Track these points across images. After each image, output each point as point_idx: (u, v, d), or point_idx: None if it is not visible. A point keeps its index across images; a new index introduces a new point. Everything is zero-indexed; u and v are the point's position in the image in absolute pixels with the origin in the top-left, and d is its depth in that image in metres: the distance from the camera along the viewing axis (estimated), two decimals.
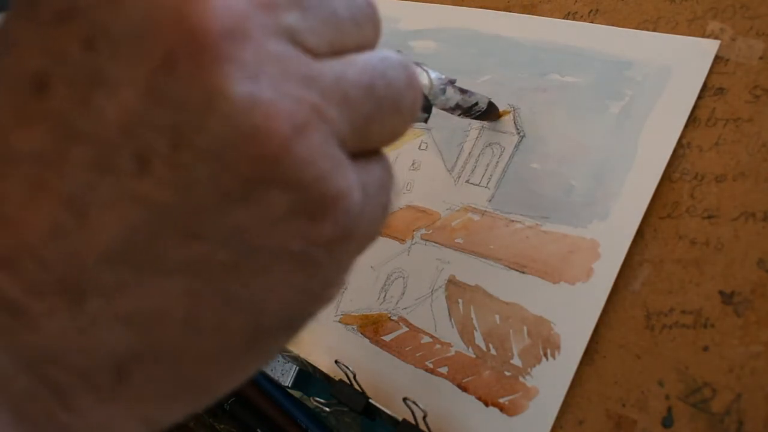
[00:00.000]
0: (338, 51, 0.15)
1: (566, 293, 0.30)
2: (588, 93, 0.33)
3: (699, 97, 0.30)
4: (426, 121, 0.27)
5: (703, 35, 0.31)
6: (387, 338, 0.35)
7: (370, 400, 0.34)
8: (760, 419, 0.24)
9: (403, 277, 0.36)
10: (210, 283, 0.14)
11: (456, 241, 0.35)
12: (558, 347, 0.29)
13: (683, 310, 0.27)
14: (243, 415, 0.37)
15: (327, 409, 0.36)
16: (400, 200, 0.38)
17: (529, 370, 0.30)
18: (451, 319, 0.33)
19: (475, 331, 0.32)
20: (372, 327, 0.36)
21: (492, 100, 0.34)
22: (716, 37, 0.30)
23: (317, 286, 0.16)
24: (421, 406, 0.31)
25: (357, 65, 0.15)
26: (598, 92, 0.33)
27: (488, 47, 0.38)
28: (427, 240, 0.36)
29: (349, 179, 0.15)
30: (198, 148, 0.13)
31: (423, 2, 0.42)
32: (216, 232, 0.14)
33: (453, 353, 0.32)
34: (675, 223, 0.29)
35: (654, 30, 0.32)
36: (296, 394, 0.38)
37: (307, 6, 0.14)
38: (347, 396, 0.34)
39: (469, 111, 0.32)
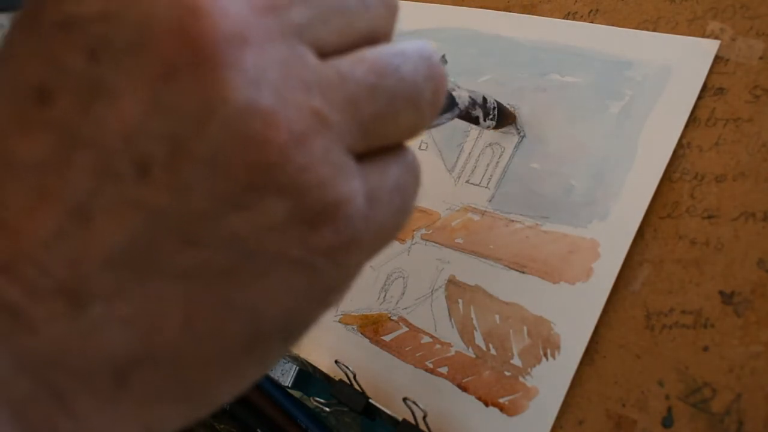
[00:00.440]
0: (349, 39, 0.15)
1: (566, 293, 0.30)
2: (588, 93, 0.33)
3: (699, 97, 0.30)
4: (452, 118, 0.26)
5: (703, 35, 0.31)
6: (387, 338, 0.35)
7: (370, 400, 0.34)
8: (760, 419, 0.24)
9: (403, 277, 0.36)
10: (209, 289, 0.14)
11: (456, 241, 0.35)
12: (558, 347, 0.29)
13: (683, 310, 0.27)
14: (243, 415, 0.37)
15: (327, 409, 0.36)
16: None
17: (529, 370, 0.30)
18: (451, 319, 0.33)
19: (475, 331, 0.32)
20: (372, 327, 0.36)
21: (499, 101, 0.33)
22: (716, 37, 0.30)
23: (319, 292, 0.15)
24: (421, 406, 0.31)
25: (366, 62, 0.15)
26: (598, 92, 0.33)
27: (488, 47, 0.38)
28: (427, 240, 0.36)
29: (352, 185, 0.14)
30: (197, 155, 0.13)
31: (423, 2, 0.42)
32: (215, 238, 0.14)
33: (453, 353, 0.32)
34: (675, 223, 0.29)
35: (654, 30, 0.32)
36: (296, 394, 0.38)
37: None
38: (347, 396, 0.34)
39: (486, 108, 0.31)
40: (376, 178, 0.15)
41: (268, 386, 0.37)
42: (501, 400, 0.30)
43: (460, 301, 0.33)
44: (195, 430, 0.35)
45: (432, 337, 0.33)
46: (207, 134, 0.13)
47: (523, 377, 0.30)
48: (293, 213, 0.14)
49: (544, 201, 0.32)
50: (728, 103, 0.29)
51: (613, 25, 0.34)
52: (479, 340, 0.32)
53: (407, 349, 0.34)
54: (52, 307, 0.13)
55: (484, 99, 0.31)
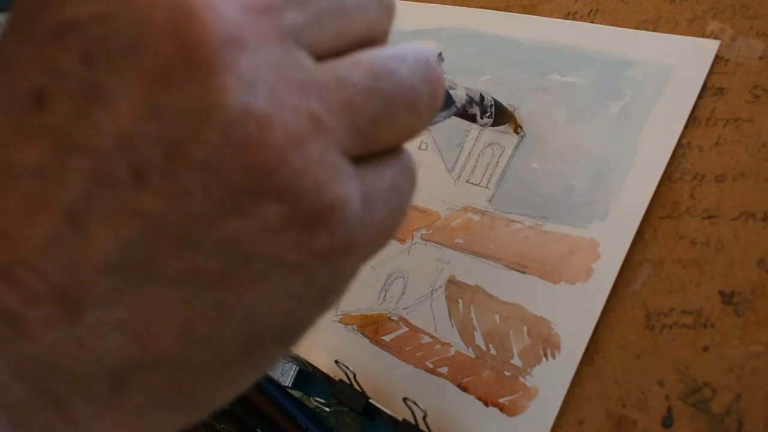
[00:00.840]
0: (346, 40, 0.15)
1: (566, 293, 0.30)
2: (588, 93, 0.33)
3: (699, 97, 0.30)
4: (449, 117, 0.26)
5: (703, 35, 0.31)
6: (387, 338, 0.35)
7: (370, 400, 0.34)
8: (760, 419, 0.24)
9: (403, 277, 0.36)
10: (206, 293, 0.14)
11: (456, 241, 0.35)
12: (558, 347, 0.29)
13: (683, 310, 0.27)
14: (243, 415, 0.37)
15: (327, 409, 0.36)
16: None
17: (529, 370, 0.30)
18: (451, 319, 0.33)
19: (475, 331, 0.32)
20: (372, 327, 0.36)
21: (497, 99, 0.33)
22: (716, 37, 0.30)
23: (315, 294, 0.15)
24: (421, 406, 0.31)
25: (362, 65, 0.15)
26: (598, 92, 0.33)
27: (488, 47, 0.38)
28: (427, 240, 0.36)
29: (348, 188, 0.14)
30: (193, 159, 0.13)
31: (423, 2, 0.42)
32: (211, 243, 0.14)
33: (453, 353, 0.32)
34: (675, 223, 0.29)
35: (654, 30, 0.32)
36: (296, 394, 0.38)
37: (307, 0, 0.14)
38: (347, 396, 0.34)
39: (483, 106, 0.31)
40: (372, 181, 0.15)
41: (268, 386, 0.37)
42: (501, 400, 0.30)
43: (460, 301, 0.33)
44: (195, 430, 0.35)
45: (432, 337, 0.33)
46: (202, 138, 0.13)
47: (523, 377, 0.30)
48: (289, 216, 0.14)
49: (544, 201, 0.32)
50: (728, 103, 0.29)
51: (613, 25, 0.34)
52: (479, 340, 0.32)
53: (407, 349, 0.34)
54: (49, 312, 0.13)
55: (482, 96, 0.31)
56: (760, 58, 0.29)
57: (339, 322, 0.37)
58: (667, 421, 0.26)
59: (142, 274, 0.13)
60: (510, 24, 0.37)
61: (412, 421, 0.32)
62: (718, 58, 0.30)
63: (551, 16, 0.36)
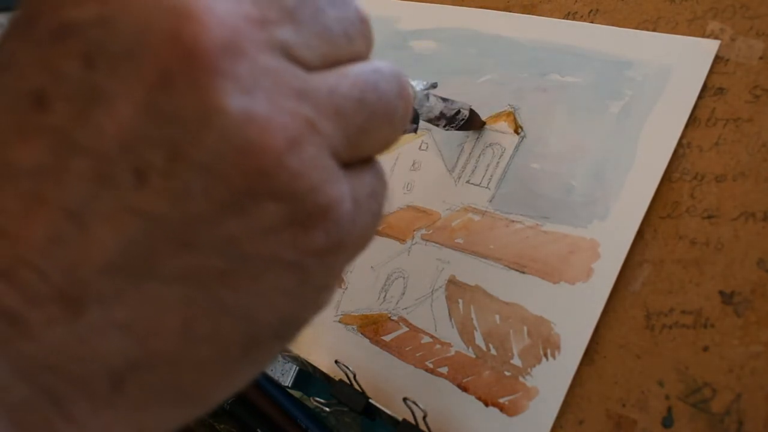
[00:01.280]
0: (331, 63, 0.16)
1: (566, 293, 0.30)
2: (588, 93, 0.33)
3: (699, 97, 0.30)
4: (415, 131, 0.28)
5: (703, 35, 0.31)
6: (387, 338, 0.35)
7: (370, 400, 0.34)
8: (760, 419, 0.24)
9: (403, 277, 0.36)
10: (205, 292, 0.14)
11: (456, 241, 0.35)
12: (558, 347, 0.29)
13: (683, 310, 0.27)
14: (243, 415, 0.37)
15: (327, 409, 0.36)
16: (401, 200, 0.38)
17: (529, 370, 0.30)
18: (451, 319, 0.33)
19: (475, 331, 0.32)
20: (372, 327, 0.36)
21: (473, 108, 0.34)
22: (716, 37, 0.30)
23: (309, 292, 0.16)
24: (421, 406, 0.31)
25: (349, 78, 0.16)
26: (598, 92, 0.33)
27: (488, 47, 0.38)
28: (427, 240, 0.36)
29: (341, 189, 0.15)
30: (193, 161, 0.13)
31: (423, 2, 0.42)
32: (211, 243, 0.14)
33: (453, 353, 0.32)
34: (675, 223, 0.29)
35: (654, 30, 0.32)
36: (296, 394, 0.38)
37: (299, 21, 0.15)
38: (347, 396, 0.35)
39: (453, 120, 0.32)
40: (356, 185, 0.16)
41: (268, 386, 0.37)
42: (501, 400, 0.30)
43: (460, 301, 0.33)
44: (195, 430, 0.35)
45: (432, 337, 0.33)
46: (203, 141, 0.13)
47: (523, 377, 0.30)
48: (287, 216, 0.14)
49: (544, 201, 0.32)
50: (728, 103, 0.29)
51: (613, 25, 0.34)
52: (479, 340, 0.32)
53: (407, 349, 0.34)
54: (49, 312, 0.13)
55: (458, 112, 0.32)
56: (760, 58, 0.29)
57: (339, 322, 0.37)
58: (667, 421, 0.26)
59: (142, 273, 0.14)
60: (510, 24, 0.37)
61: (412, 421, 0.32)
62: (718, 58, 0.30)
63: (551, 16, 0.36)
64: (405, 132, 0.23)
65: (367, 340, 0.36)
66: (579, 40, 0.34)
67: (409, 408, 0.32)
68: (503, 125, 0.35)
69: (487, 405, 0.30)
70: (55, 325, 0.13)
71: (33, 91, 0.13)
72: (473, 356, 0.32)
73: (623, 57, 0.32)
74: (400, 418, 0.33)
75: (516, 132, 0.35)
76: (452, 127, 0.33)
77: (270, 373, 0.42)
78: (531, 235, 0.32)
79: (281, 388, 0.38)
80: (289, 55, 0.14)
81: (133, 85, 0.13)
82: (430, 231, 0.36)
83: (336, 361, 0.35)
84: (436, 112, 0.31)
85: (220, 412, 0.37)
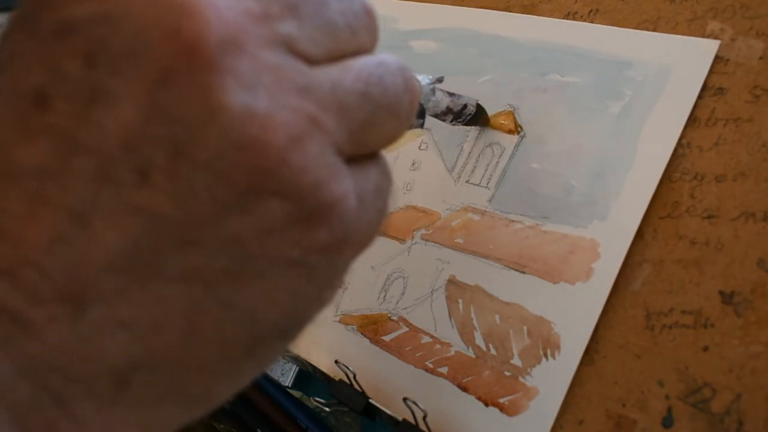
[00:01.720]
0: (335, 57, 0.15)
1: (566, 293, 0.30)
2: (588, 93, 0.33)
3: (699, 97, 0.30)
4: (422, 126, 0.27)
5: (703, 35, 0.31)
6: (387, 338, 0.35)
7: (370, 400, 0.34)
8: (760, 419, 0.24)
9: (403, 277, 0.36)
10: (209, 291, 0.14)
11: (456, 241, 0.35)
12: (558, 347, 0.29)
13: (683, 310, 0.27)
14: (243, 415, 0.37)
15: (327, 409, 0.36)
16: (400, 200, 0.38)
17: (529, 370, 0.30)
18: (451, 319, 0.33)
19: (475, 331, 0.32)
20: (372, 327, 0.36)
21: (480, 102, 0.34)
22: (716, 37, 0.30)
23: (314, 290, 0.16)
24: (421, 406, 0.31)
25: (353, 71, 0.15)
26: (598, 92, 0.33)
27: (488, 47, 0.38)
28: (427, 240, 0.36)
29: (345, 186, 0.15)
30: (196, 159, 0.13)
31: (423, 2, 0.42)
32: (214, 241, 0.14)
33: (453, 353, 0.32)
34: (675, 223, 0.29)
35: (654, 30, 0.32)
36: (296, 394, 0.38)
37: (302, 15, 0.15)
38: (347, 396, 0.34)
39: (459, 115, 0.32)
40: (361, 181, 0.16)
41: (268, 386, 0.37)
42: (501, 400, 0.30)
43: (460, 301, 0.33)
44: (195, 430, 0.35)
45: (432, 337, 0.33)
46: (205, 139, 0.13)
47: (523, 377, 0.30)
48: (291, 214, 0.14)
49: (544, 201, 0.32)
50: (728, 103, 0.29)
51: (613, 25, 0.34)
52: (479, 340, 0.32)
53: (407, 349, 0.34)
54: (53, 311, 0.13)
55: (465, 106, 0.32)
56: (760, 58, 0.29)
57: (339, 322, 0.37)
58: (667, 421, 0.26)
59: (145, 273, 0.14)
60: (510, 24, 0.37)
61: (412, 421, 0.32)
62: (718, 58, 0.30)
63: (551, 16, 0.36)
64: (411, 127, 0.23)
65: (367, 340, 0.36)
66: (579, 40, 0.34)
67: (409, 408, 0.32)
68: (503, 125, 0.35)
69: (487, 405, 0.30)
70: (58, 325, 0.13)
71: (34, 91, 0.13)
72: (473, 356, 0.32)
73: (623, 57, 0.32)
74: (400, 418, 0.33)
75: (516, 132, 0.35)
76: (459, 122, 0.33)
77: (270, 373, 0.42)
78: (531, 235, 0.32)
79: (281, 388, 0.38)
80: (291, 49, 0.14)
81: (134, 83, 0.13)
82: (430, 231, 0.36)
83: (336, 361, 0.35)
84: (443, 107, 0.31)
85: (220, 412, 0.37)
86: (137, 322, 0.14)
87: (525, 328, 0.31)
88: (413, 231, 0.36)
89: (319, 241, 0.15)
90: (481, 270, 0.33)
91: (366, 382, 0.34)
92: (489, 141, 0.35)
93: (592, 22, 0.35)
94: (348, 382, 0.35)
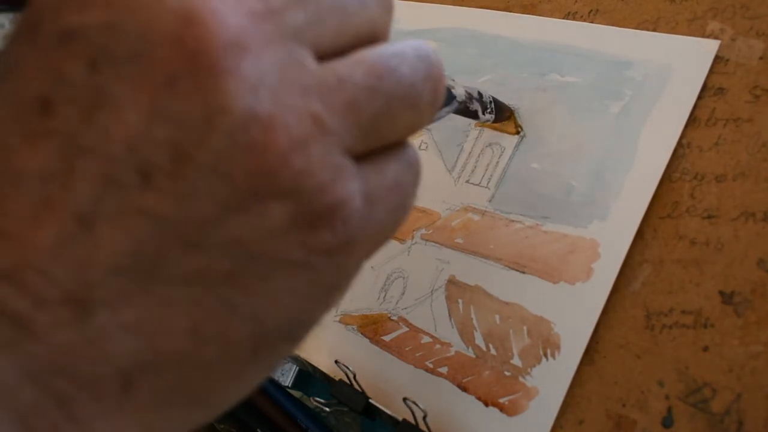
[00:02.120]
0: (347, 38, 0.15)
1: (566, 293, 0.30)
2: (588, 93, 0.33)
3: (699, 97, 0.30)
4: (455, 111, 0.26)
5: (703, 35, 0.31)
6: (387, 338, 0.35)
7: (370, 400, 0.34)
8: (760, 419, 0.24)
9: (403, 277, 0.36)
10: (213, 293, 0.14)
11: (456, 241, 0.35)
12: (558, 347, 0.29)
13: (683, 310, 0.27)
14: (243, 415, 0.37)
15: (327, 409, 0.36)
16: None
17: (529, 370, 0.30)
18: (451, 319, 0.33)
19: (475, 331, 0.32)
20: (372, 327, 0.36)
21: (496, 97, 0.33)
22: (716, 37, 0.30)
23: (319, 291, 0.16)
24: (421, 406, 0.31)
25: (364, 64, 0.15)
26: (598, 92, 0.33)
27: (488, 47, 0.38)
28: (427, 240, 0.36)
29: (350, 187, 0.15)
30: (198, 162, 0.13)
31: (423, 2, 0.42)
32: (218, 243, 0.14)
33: (453, 353, 0.32)
34: (675, 223, 0.29)
35: (654, 30, 0.32)
36: (296, 394, 0.38)
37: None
38: (347, 396, 0.34)
39: (480, 100, 0.31)
40: (374, 178, 0.16)
41: (268, 386, 0.37)
42: (501, 400, 0.30)
43: (460, 301, 0.33)
44: (194, 430, 0.35)
45: (432, 337, 0.33)
46: (208, 142, 0.13)
47: (523, 377, 0.30)
48: (293, 216, 0.14)
49: (544, 201, 0.32)
50: (728, 103, 0.29)
51: (613, 25, 0.34)
52: (479, 340, 0.32)
53: (407, 349, 0.34)
54: (57, 314, 0.13)
55: (480, 94, 0.31)
56: (760, 58, 0.29)
57: (339, 322, 0.37)
58: (667, 421, 0.26)
59: (150, 275, 0.14)
60: (510, 24, 0.37)
61: (412, 421, 0.32)
62: (718, 58, 0.30)
63: (551, 16, 0.36)
64: (440, 117, 0.21)
65: (367, 340, 0.36)
66: (579, 40, 0.34)
67: (409, 408, 0.32)
68: (503, 125, 0.35)
69: (487, 405, 0.30)
70: (63, 328, 0.13)
71: (38, 96, 0.13)
72: (473, 356, 0.32)
73: (623, 57, 0.32)
74: (400, 418, 0.33)
75: (516, 132, 0.35)
76: (489, 113, 0.31)
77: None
78: (531, 235, 0.32)
79: (281, 388, 0.38)
80: (301, 38, 0.14)
81: (138, 88, 0.13)
82: (430, 231, 0.36)
83: (336, 361, 0.35)
84: (463, 95, 0.29)
85: None
86: (142, 324, 0.14)
87: (525, 328, 0.31)
88: (413, 231, 0.36)
89: (323, 243, 0.15)
90: (481, 270, 0.33)
91: (366, 382, 0.34)
92: (489, 141, 0.35)
93: (592, 22, 0.35)
94: (348, 382, 0.35)
